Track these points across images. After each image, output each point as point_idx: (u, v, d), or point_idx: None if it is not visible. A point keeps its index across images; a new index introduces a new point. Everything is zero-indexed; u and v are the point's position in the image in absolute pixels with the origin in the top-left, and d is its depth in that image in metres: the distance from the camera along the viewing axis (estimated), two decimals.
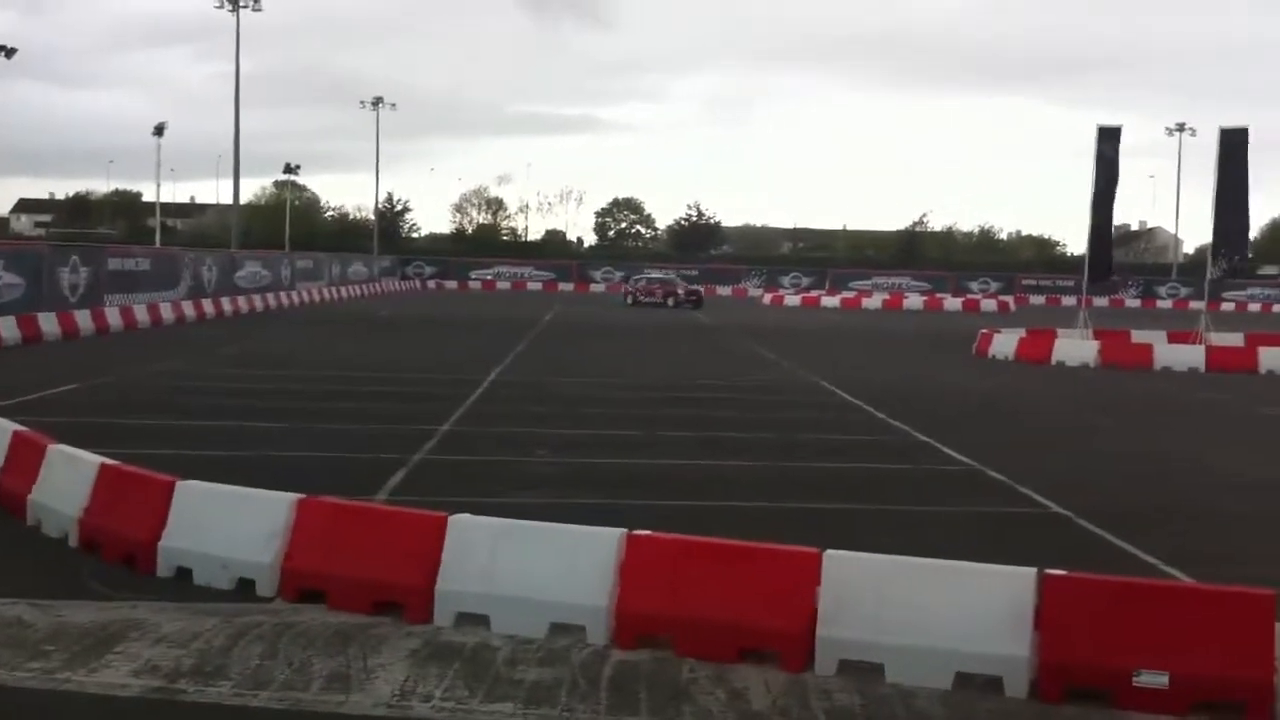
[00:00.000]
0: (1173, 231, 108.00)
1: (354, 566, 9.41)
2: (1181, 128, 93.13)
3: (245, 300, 53.13)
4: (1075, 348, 35.69)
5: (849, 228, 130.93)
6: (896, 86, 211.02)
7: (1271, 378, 32.36)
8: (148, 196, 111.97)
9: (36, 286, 36.49)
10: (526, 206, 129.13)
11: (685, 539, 9.15)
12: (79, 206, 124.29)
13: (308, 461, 15.56)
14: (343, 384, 25.01)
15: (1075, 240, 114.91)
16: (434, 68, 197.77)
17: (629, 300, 68.47)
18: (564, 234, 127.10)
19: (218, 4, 66.87)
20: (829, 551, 8.56)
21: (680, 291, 68.12)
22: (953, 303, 78.34)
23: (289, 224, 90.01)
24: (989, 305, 77.77)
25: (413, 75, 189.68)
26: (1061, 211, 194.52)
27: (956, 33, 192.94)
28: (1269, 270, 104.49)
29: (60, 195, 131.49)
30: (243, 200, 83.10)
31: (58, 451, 11.95)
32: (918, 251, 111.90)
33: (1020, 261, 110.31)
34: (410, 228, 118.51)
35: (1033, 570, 8.22)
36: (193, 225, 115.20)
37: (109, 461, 11.38)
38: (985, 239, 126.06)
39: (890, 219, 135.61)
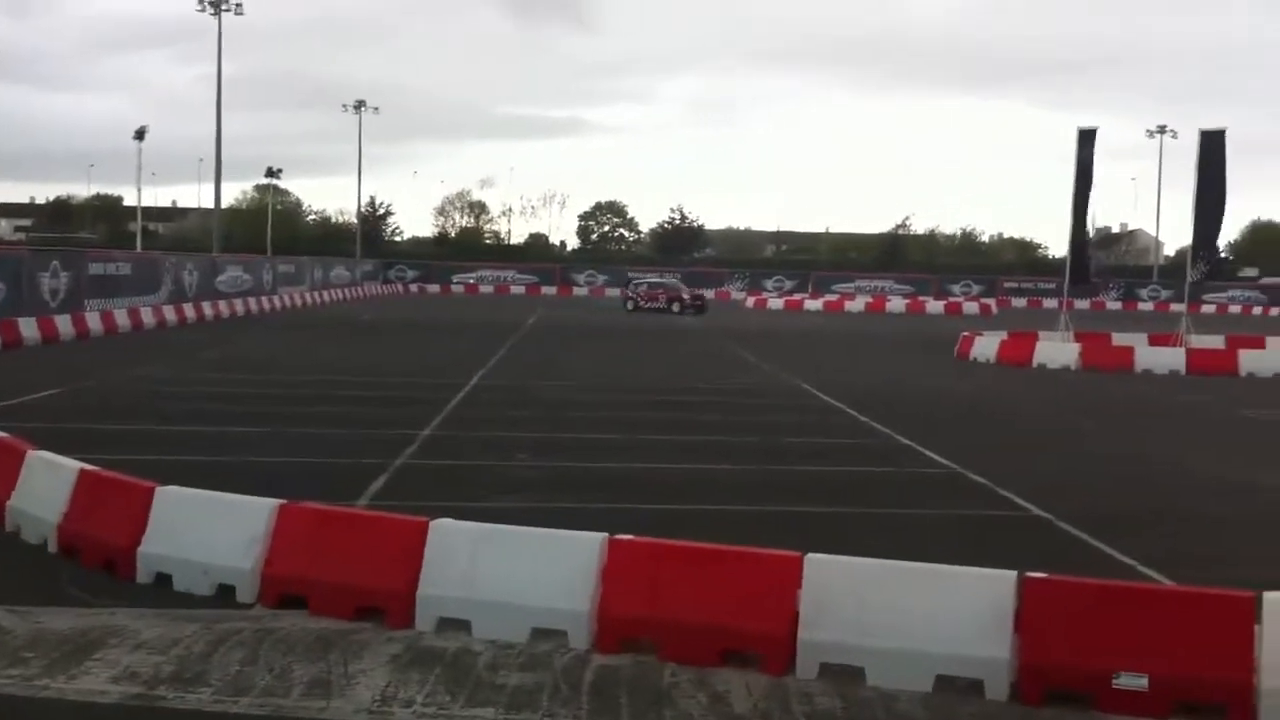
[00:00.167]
0: (1154, 234, 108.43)
1: (335, 572, 9.38)
2: (1163, 130, 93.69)
3: (226, 305, 52.96)
4: (1056, 350, 35.82)
5: (832, 230, 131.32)
6: (879, 90, 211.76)
7: (1252, 380, 32.52)
8: (129, 200, 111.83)
9: (16, 291, 36.33)
10: (509, 210, 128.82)
11: (667, 543, 9.15)
12: (59, 211, 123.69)
13: (289, 467, 15.52)
14: (324, 388, 24.97)
15: (1057, 243, 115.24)
16: (417, 71, 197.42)
17: (629, 306, 65.15)
18: (547, 237, 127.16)
19: (199, 7, 66.72)
20: (810, 555, 8.58)
21: (685, 296, 65.42)
22: (935, 305, 78.56)
23: (271, 228, 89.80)
24: (971, 308, 78.01)
25: (396, 78, 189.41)
26: (1043, 214, 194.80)
27: (939, 36, 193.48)
28: (1249, 272, 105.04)
29: (40, 199, 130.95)
30: (224, 204, 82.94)
31: (37, 457, 11.90)
32: (900, 254, 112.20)
33: (1002, 264, 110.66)
34: (393, 231, 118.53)
35: (1013, 573, 8.25)
36: (174, 229, 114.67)
37: (88, 467, 11.33)
38: (967, 242, 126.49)
39: (873, 222, 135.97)
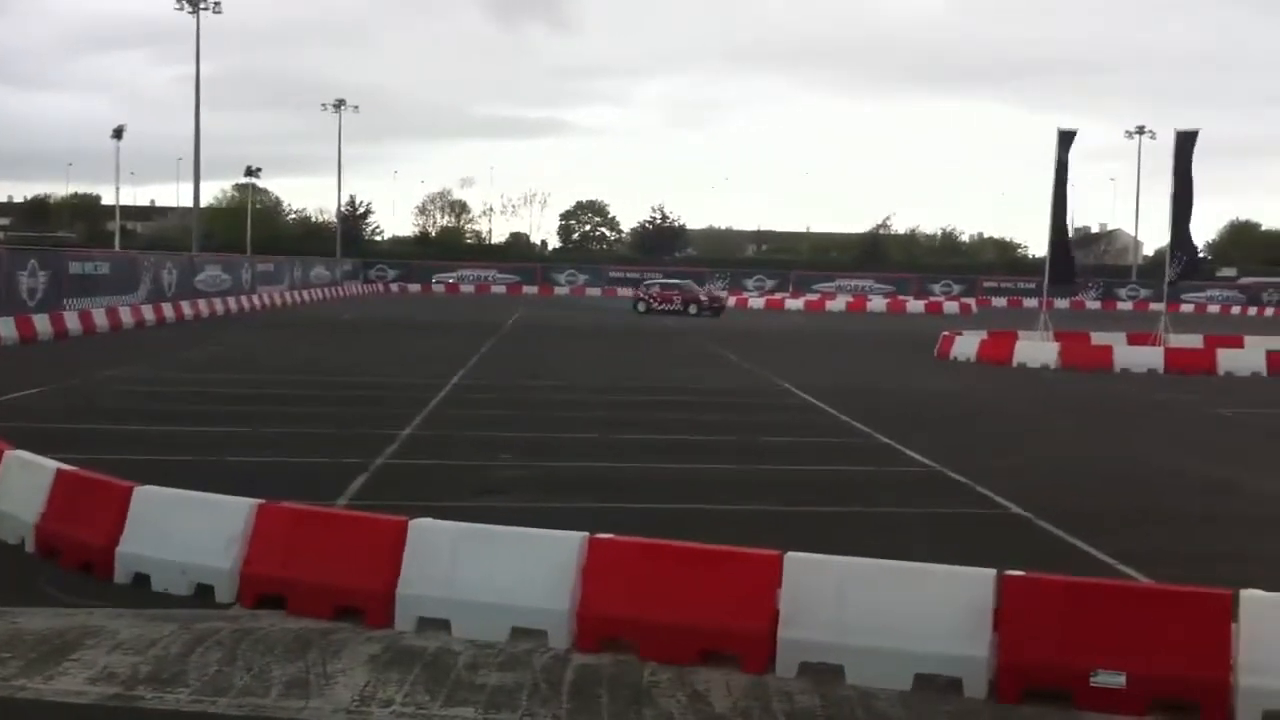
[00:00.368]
0: (1133, 234, 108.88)
1: (314, 572, 9.36)
2: (1141, 130, 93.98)
3: (205, 304, 52.77)
4: (1036, 349, 35.95)
5: (813, 230, 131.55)
6: (860, 90, 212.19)
7: (1229, 379, 32.71)
8: (107, 200, 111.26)
9: None
10: (490, 209, 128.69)
11: (647, 542, 9.16)
12: (37, 209, 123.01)
13: (268, 466, 15.47)
14: (304, 388, 24.90)
15: (1037, 242, 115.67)
16: (397, 71, 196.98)
17: (641, 308, 62.02)
18: (528, 237, 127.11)
19: (177, 5, 66.36)
20: (790, 554, 8.59)
21: (703, 298, 62.88)
22: (915, 305, 78.78)
23: (250, 227, 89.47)
24: (951, 307, 78.21)
25: (376, 78, 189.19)
26: (1023, 214, 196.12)
27: (920, 37, 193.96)
28: (1228, 272, 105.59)
29: (18, 198, 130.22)
30: (203, 203, 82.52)
31: (14, 457, 11.83)
32: (881, 254, 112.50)
33: (982, 263, 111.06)
34: (373, 231, 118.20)
35: (991, 571, 8.27)
36: (153, 228, 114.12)
37: (66, 467, 11.28)
38: (948, 241, 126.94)
39: (854, 221, 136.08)
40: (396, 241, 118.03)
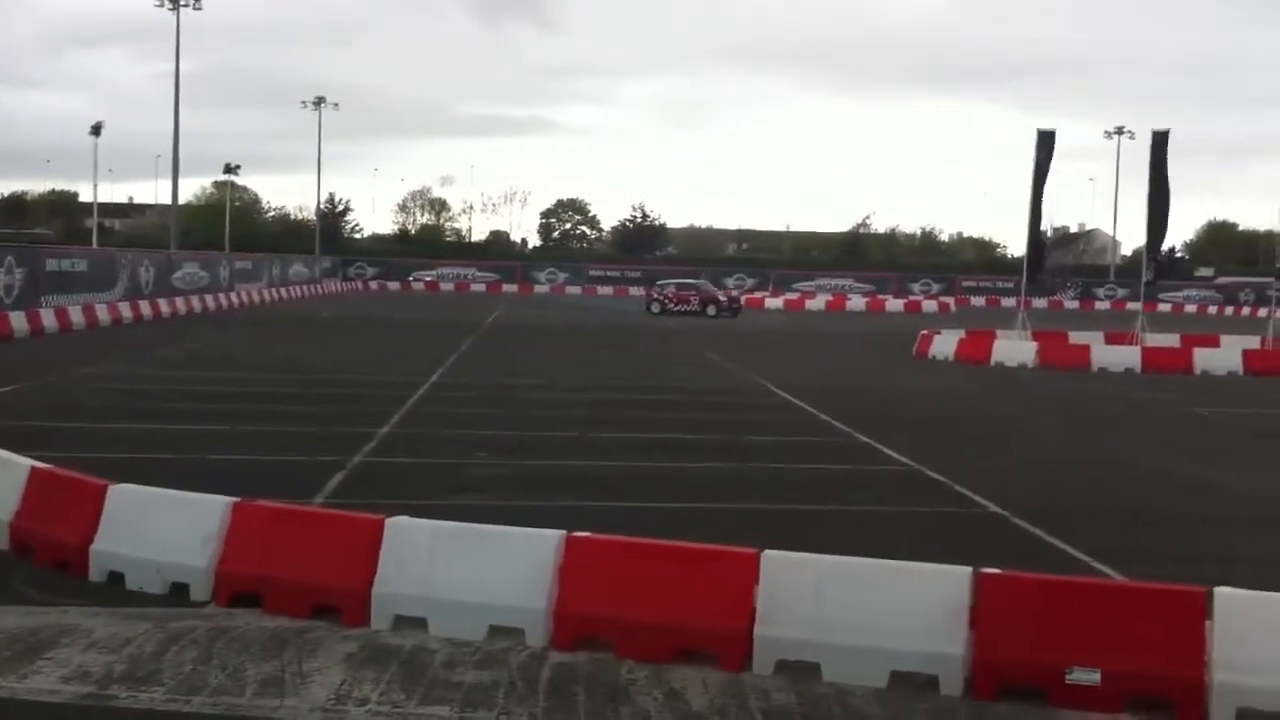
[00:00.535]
0: (1111, 233, 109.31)
1: (290, 570, 9.33)
2: (1120, 131, 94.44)
3: (183, 302, 52.54)
4: (1014, 349, 36.06)
5: (793, 229, 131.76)
6: (841, 90, 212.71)
7: (1206, 378, 32.87)
8: (85, 197, 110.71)
9: None
10: (470, 207, 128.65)
11: (624, 540, 9.15)
12: (14, 206, 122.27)
13: (245, 465, 15.40)
14: (281, 386, 24.82)
15: (1016, 242, 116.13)
16: (379, 68, 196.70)
17: (654, 309, 59.88)
18: (508, 235, 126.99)
19: (158, 3, 66.18)
20: (767, 552, 8.59)
21: (722, 298, 61.00)
22: (895, 304, 78.94)
23: (229, 225, 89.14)
24: (930, 306, 78.37)
25: (357, 76, 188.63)
26: (1003, 214, 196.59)
27: (902, 37, 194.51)
28: (1205, 272, 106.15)
29: None
30: (182, 201, 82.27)
31: None
32: (861, 253, 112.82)
33: (961, 263, 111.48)
34: (353, 228, 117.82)
35: (968, 569, 8.29)
36: (131, 226, 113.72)
37: (40, 465, 11.22)
38: (927, 241, 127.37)
39: (834, 221, 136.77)
40: (376, 239, 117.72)
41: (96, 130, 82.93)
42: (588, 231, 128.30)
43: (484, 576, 8.91)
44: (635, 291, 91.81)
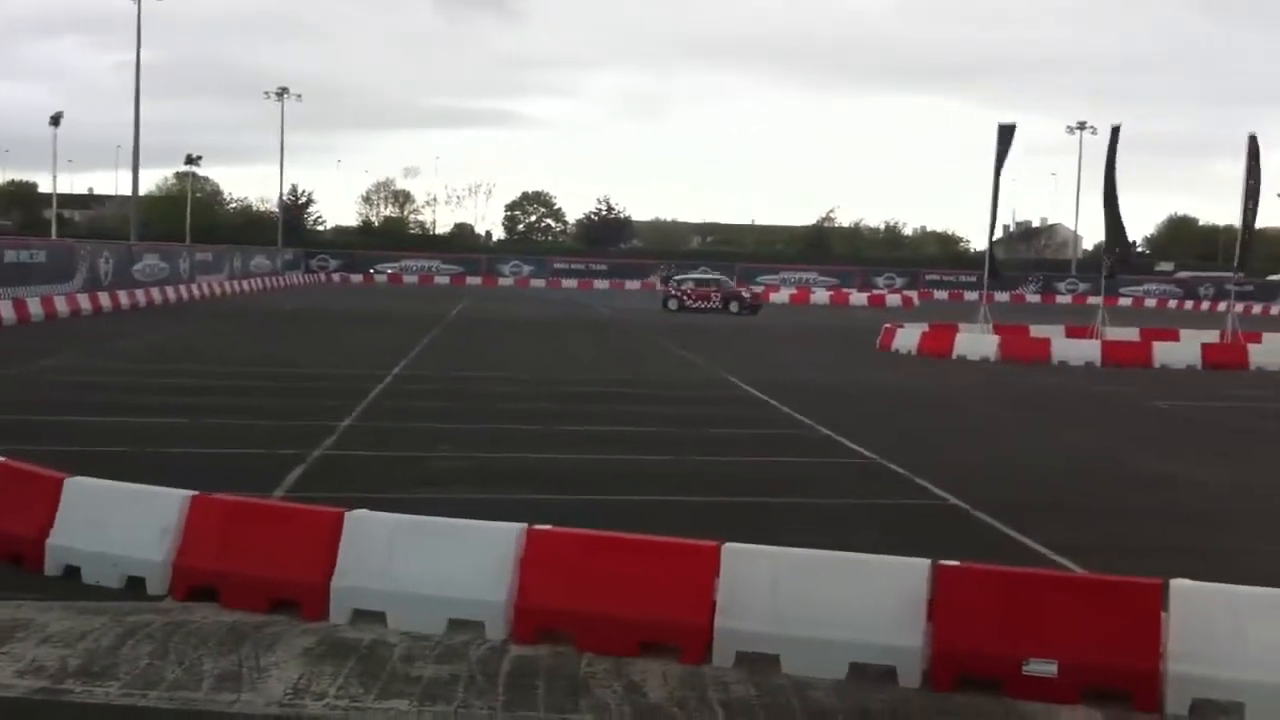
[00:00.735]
0: (1073, 228, 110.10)
1: (248, 564, 9.26)
2: (1082, 126, 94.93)
3: (143, 293, 52.08)
4: (976, 342, 36.26)
5: (758, 223, 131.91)
6: (807, 85, 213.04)
7: (1165, 371, 33.16)
8: (44, 187, 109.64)
9: None
10: (434, 200, 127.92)
11: (584, 533, 9.14)
12: None
13: (204, 458, 15.30)
14: (242, 379, 24.67)
15: (978, 237, 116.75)
16: (342, 60, 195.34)
17: (673, 305, 57.32)
18: (472, 227, 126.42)
19: None
20: (727, 545, 8.60)
21: (745, 294, 59.07)
22: (859, 298, 79.25)
23: (190, 216, 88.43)
24: (894, 300, 78.66)
25: (320, 67, 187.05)
26: (966, 209, 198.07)
27: (867, 32, 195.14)
28: (1165, 266, 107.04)
29: None
30: (142, 192, 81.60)
31: None
32: (825, 247, 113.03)
33: (925, 257, 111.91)
34: (316, 220, 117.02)
35: (926, 561, 8.33)
36: (91, 217, 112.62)
37: None
38: (891, 235, 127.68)
39: (799, 215, 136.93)
40: (339, 231, 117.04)
41: (56, 120, 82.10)
42: (553, 224, 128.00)
43: (444, 570, 8.88)
44: (600, 284, 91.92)
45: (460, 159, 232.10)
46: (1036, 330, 42.51)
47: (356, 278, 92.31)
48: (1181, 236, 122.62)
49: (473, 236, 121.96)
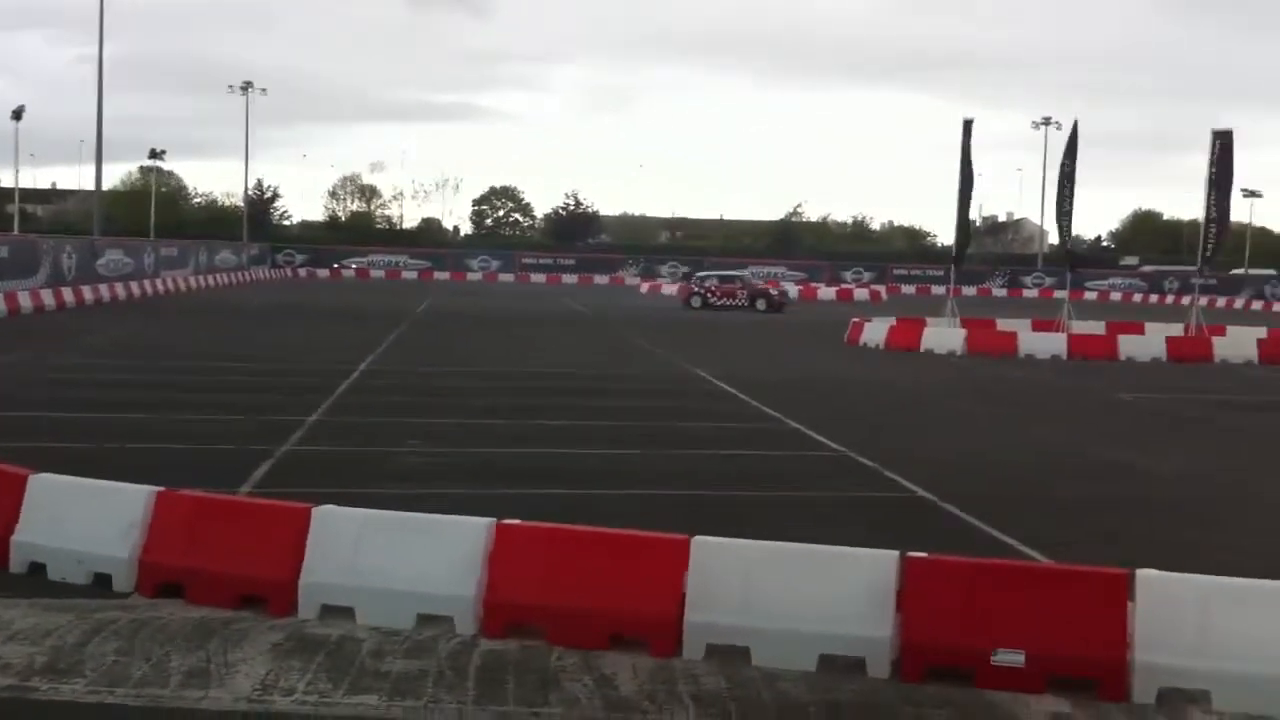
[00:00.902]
0: (1039, 222, 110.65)
1: (215, 560, 9.21)
2: (1047, 121, 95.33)
3: (107, 289, 51.61)
4: (943, 336, 36.40)
5: (726, 218, 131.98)
6: (774, 78, 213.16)
7: (1130, 364, 33.39)
8: (5, 182, 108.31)
9: None
10: (401, 194, 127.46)
11: (554, 527, 9.14)
12: None
13: (170, 454, 15.20)
14: (207, 374, 24.52)
15: (945, 231, 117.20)
16: (307, 53, 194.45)
17: (696, 303, 55.89)
18: (440, 222, 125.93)
19: None
20: (697, 538, 8.61)
21: (773, 292, 57.69)
22: (827, 292, 79.33)
23: (154, 211, 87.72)
24: (862, 294, 78.80)
25: (285, 61, 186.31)
26: (933, 204, 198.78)
27: (833, 27, 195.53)
28: (1130, 260, 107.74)
29: None
30: (106, 186, 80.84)
31: None
32: (793, 241, 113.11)
33: (892, 251, 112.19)
34: (281, 215, 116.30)
35: (895, 553, 8.36)
36: (53, 212, 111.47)
37: None
38: (859, 229, 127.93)
39: (766, 209, 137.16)
40: (306, 226, 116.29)
41: (18, 115, 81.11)
42: (521, 219, 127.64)
43: (412, 565, 8.86)
44: (568, 279, 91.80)
45: (427, 153, 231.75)
46: (1003, 323, 42.75)
47: (323, 273, 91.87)
48: (1146, 231, 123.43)
49: (440, 231, 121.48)
